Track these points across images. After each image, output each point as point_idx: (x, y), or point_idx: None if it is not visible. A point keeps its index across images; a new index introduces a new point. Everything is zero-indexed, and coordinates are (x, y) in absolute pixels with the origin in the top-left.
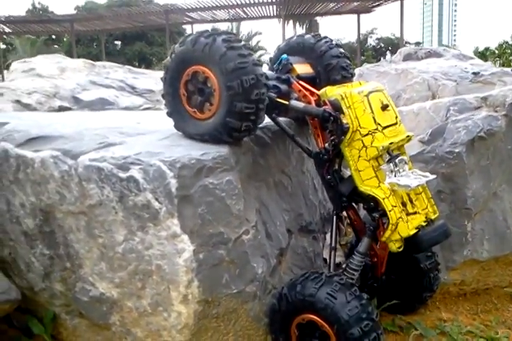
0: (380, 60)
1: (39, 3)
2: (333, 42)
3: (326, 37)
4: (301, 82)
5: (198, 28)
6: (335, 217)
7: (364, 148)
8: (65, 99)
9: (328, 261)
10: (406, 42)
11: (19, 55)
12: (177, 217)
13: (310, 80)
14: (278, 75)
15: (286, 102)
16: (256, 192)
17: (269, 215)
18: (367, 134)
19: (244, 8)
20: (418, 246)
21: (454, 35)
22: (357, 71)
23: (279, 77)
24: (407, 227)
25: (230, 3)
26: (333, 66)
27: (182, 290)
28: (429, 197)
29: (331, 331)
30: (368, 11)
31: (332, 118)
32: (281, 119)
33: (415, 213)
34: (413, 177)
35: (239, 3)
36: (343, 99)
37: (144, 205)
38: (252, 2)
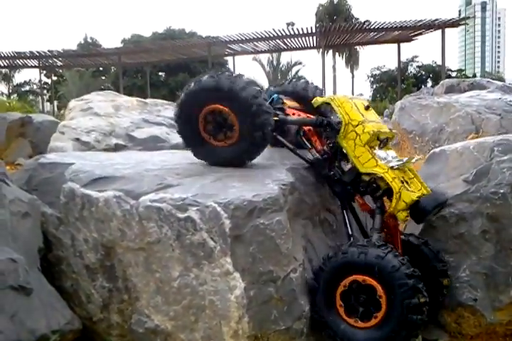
0: (420, 87)
1: (90, 37)
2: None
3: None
4: (292, 108)
5: (240, 59)
6: (344, 211)
7: (358, 136)
8: (120, 137)
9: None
10: (448, 70)
11: (69, 87)
12: (230, 256)
13: (298, 110)
14: (274, 106)
15: (277, 118)
16: (302, 229)
17: (315, 252)
18: (357, 124)
19: (285, 40)
20: (423, 210)
21: (498, 61)
22: (398, 104)
23: (275, 108)
24: (410, 194)
25: (271, 35)
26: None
27: (233, 325)
28: (420, 181)
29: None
30: (409, 39)
31: (325, 122)
32: None
33: (413, 192)
34: (402, 159)
35: (279, 34)
36: (332, 100)
37: (200, 244)
38: (292, 33)
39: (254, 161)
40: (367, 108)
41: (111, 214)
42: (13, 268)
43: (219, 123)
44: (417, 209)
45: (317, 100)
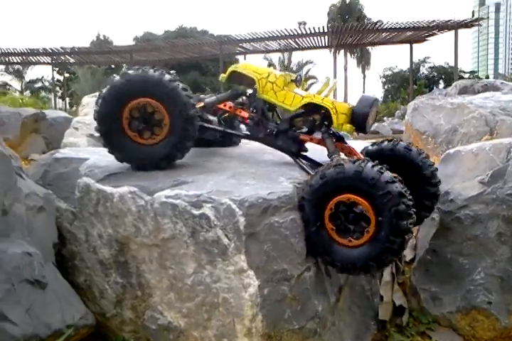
0: (432, 88)
1: (103, 35)
2: None
3: None
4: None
5: (251, 58)
6: (296, 159)
7: (273, 84)
8: None
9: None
10: (460, 72)
11: (81, 84)
12: (244, 253)
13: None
14: None
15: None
16: None
17: None
18: (268, 75)
19: (296, 39)
20: (362, 113)
21: (511, 63)
22: (411, 105)
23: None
24: (344, 104)
25: (282, 34)
26: None
27: (246, 324)
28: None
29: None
30: (421, 40)
31: (240, 92)
32: None
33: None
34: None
35: (291, 33)
36: (236, 67)
37: (214, 241)
38: (304, 33)
39: (266, 157)
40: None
41: (126, 209)
42: (29, 262)
43: (145, 119)
44: (356, 116)
45: (222, 76)
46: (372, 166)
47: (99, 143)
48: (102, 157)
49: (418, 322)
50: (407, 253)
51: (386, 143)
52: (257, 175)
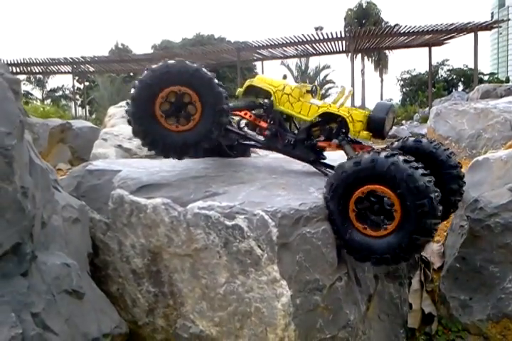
0: (451, 91)
1: (122, 44)
2: None
3: None
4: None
5: (268, 64)
6: (316, 165)
7: (289, 96)
8: None
9: None
10: (479, 74)
11: (100, 92)
12: (277, 264)
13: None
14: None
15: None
16: None
17: None
18: (284, 88)
19: (313, 44)
20: (379, 119)
21: None
22: (434, 110)
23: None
24: (359, 113)
25: (299, 40)
26: None
27: (279, 333)
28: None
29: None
30: (440, 43)
31: (257, 103)
32: None
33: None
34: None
35: (308, 39)
36: (251, 81)
37: (247, 251)
38: (321, 38)
39: (293, 167)
40: (308, 91)
41: (159, 220)
42: (67, 273)
43: (178, 107)
44: (373, 123)
45: (239, 90)
46: (369, 152)
47: (127, 154)
48: (134, 169)
49: (448, 330)
50: (436, 261)
51: (396, 143)
52: (287, 186)
